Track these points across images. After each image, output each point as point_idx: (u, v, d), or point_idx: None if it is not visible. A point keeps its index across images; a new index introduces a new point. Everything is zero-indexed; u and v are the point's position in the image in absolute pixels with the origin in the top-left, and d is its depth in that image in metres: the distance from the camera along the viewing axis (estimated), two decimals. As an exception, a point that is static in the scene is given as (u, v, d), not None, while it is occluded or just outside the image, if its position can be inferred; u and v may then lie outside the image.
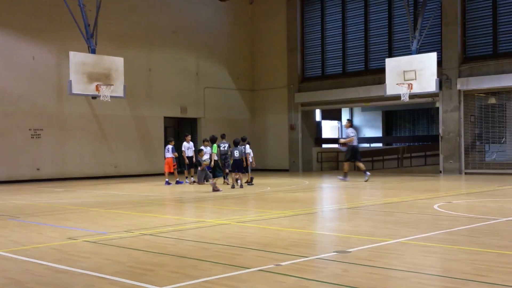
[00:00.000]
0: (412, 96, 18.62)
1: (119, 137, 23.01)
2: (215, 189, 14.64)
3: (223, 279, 4.98)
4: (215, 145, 15.34)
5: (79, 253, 6.33)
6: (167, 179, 17.88)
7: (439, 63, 20.26)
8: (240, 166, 15.81)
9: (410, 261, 5.64)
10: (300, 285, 4.73)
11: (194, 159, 17.79)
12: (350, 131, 17.94)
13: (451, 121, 21.54)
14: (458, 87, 21.20)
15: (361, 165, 18.00)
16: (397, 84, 18.33)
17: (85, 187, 17.79)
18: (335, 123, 33.08)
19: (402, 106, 29.32)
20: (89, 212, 10.47)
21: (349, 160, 18.18)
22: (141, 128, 23.77)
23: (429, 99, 22.84)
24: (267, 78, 27.45)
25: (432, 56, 18.14)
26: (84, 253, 6.35)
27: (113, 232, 7.91)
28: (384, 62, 19.30)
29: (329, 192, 15.38)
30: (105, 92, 16.83)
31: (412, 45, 18.88)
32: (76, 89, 16.42)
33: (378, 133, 34.49)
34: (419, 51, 19.02)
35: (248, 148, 16.76)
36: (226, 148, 16.79)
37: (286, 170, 26.41)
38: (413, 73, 18.04)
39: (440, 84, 20.08)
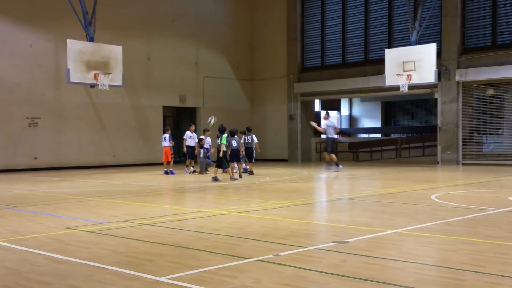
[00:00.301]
0: (411, 87, 18.66)
1: (118, 126, 22.93)
2: (215, 179, 14.69)
3: (222, 269, 5.00)
4: (224, 135, 15.22)
5: (78, 243, 6.33)
6: (165, 169, 17.90)
7: (438, 54, 20.25)
8: (238, 155, 15.93)
9: (408, 251, 5.67)
10: (299, 275, 4.75)
11: (196, 149, 17.88)
12: (326, 123, 18.80)
13: (449, 112, 21.55)
14: (457, 78, 21.20)
15: (327, 156, 18.85)
16: (396, 75, 18.33)
17: (83, 176, 17.78)
18: (334, 113, 33.08)
19: (401, 97, 29.32)
20: (87, 202, 10.49)
21: (327, 151, 19.01)
22: (140, 118, 23.68)
23: (428, 90, 22.87)
24: (267, 68, 27.37)
25: (432, 47, 18.10)
26: (83, 243, 6.36)
27: (112, 222, 7.92)
28: (384, 52, 19.27)
29: (327, 182, 15.40)
30: (104, 81, 16.72)
31: (412, 36, 18.84)
32: (74, 78, 16.32)
33: (377, 124, 34.53)
34: (419, 42, 18.97)
35: (255, 138, 17.70)
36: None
37: (285, 160, 26.43)
38: (412, 64, 18.04)
39: (439, 75, 20.09)
